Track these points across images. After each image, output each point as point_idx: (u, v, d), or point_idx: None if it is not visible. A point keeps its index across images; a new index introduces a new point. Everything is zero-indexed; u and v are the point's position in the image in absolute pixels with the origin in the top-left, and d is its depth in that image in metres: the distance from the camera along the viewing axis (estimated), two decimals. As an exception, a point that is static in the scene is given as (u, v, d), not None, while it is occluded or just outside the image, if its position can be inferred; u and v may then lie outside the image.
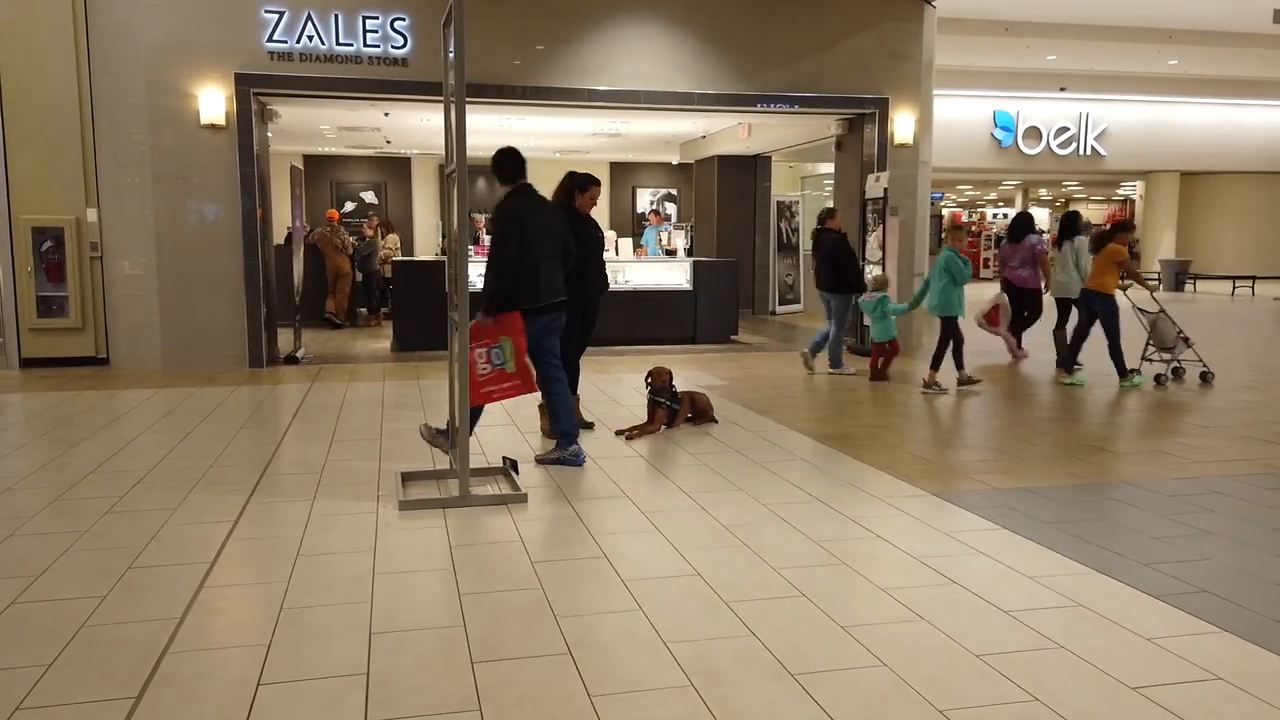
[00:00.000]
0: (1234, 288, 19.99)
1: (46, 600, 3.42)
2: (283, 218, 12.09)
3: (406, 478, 5.02)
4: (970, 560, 3.83)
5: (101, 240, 9.15)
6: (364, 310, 14.06)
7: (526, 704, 2.66)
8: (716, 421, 6.59)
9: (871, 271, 9.98)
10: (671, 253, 12.69)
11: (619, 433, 6.23)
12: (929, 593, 3.48)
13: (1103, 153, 21.23)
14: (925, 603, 3.38)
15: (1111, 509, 4.59)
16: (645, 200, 20.12)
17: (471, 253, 11.01)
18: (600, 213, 18.97)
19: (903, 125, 10.64)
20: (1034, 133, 20.80)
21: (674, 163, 19.07)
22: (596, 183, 6.11)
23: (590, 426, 6.41)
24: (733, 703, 2.66)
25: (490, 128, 13.41)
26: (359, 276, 13.84)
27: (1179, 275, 21.16)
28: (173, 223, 9.07)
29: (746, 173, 15.26)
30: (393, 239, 14.57)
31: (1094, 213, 35.20)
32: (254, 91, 9.11)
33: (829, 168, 12.92)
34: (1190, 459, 5.57)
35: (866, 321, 9.15)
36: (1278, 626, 3.17)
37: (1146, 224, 24.78)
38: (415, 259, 14.42)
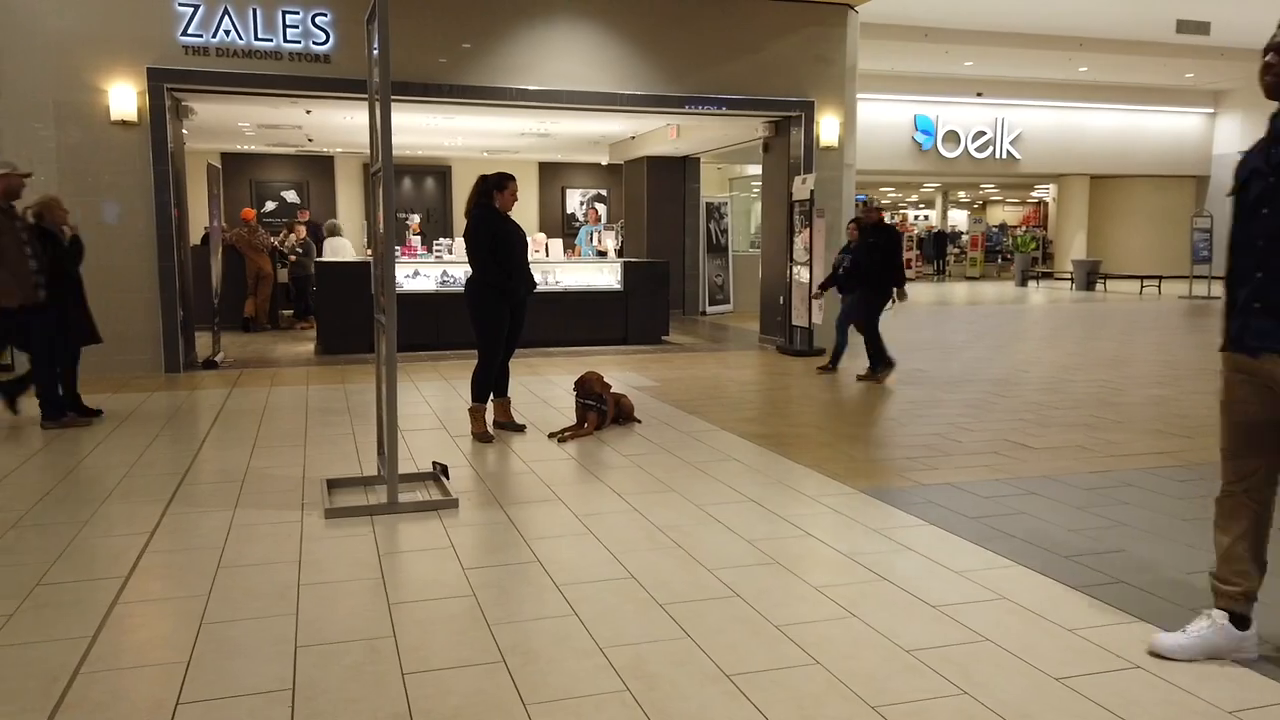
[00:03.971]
0: (1142, 287, 20.83)
1: (-55, 622, 3.24)
2: (200, 218, 11.70)
3: (332, 485, 4.89)
4: (899, 556, 3.90)
5: (4, 241, 8.71)
6: (287, 313, 13.68)
7: (460, 715, 2.61)
8: (640, 421, 6.62)
9: None
10: (602, 253, 12.66)
11: (552, 435, 6.18)
12: (860, 589, 3.53)
13: (1018, 156, 21.92)
14: (856, 599, 3.42)
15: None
16: (575, 201, 20.04)
17: (398, 254, 10.82)
18: (529, 213, 18.78)
19: (828, 128, 10.81)
20: (953, 136, 21.36)
21: (604, 163, 19.03)
22: (512, 178, 6.08)
23: (522, 429, 6.35)
24: (668, 706, 2.66)
25: (416, 126, 13.20)
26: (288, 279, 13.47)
27: (1090, 275, 21.96)
28: (82, 223, 8.61)
29: (676, 174, 15.32)
30: (293, 239, 14.09)
31: (1010, 214, 36.35)
32: (168, 87, 8.79)
33: (757, 169, 13.06)
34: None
35: None
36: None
37: (1059, 226, 25.67)
38: (340, 260, 14.08)
